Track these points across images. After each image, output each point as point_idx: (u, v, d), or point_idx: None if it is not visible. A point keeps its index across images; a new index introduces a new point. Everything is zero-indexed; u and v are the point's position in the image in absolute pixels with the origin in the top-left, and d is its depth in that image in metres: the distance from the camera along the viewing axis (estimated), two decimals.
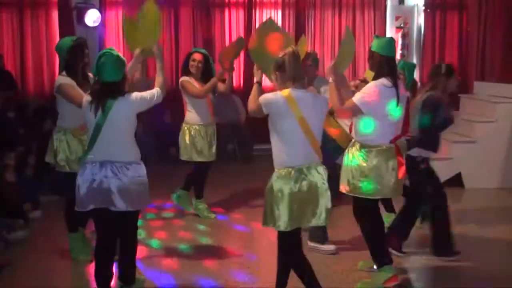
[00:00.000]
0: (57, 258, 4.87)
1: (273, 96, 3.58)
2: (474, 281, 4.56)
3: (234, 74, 9.23)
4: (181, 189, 6.13)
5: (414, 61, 9.67)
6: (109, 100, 3.73)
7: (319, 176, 3.58)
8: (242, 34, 9.24)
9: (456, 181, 7.42)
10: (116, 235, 3.95)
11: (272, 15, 9.41)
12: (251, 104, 3.75)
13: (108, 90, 3.74)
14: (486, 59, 9.03)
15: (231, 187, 7.35)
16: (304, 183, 3.54)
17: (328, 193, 3.61)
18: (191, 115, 5.93)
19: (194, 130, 5.89)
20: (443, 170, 6.92)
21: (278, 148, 3.60)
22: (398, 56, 9.61)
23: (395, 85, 4.06)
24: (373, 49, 4.21)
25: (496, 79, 8.73)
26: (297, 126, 3.53)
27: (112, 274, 3.96)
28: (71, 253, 4.75)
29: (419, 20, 9.65)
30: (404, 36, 9.67)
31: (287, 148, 3.56)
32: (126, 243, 3.99)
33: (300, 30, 9.42)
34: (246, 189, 7.19)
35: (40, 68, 8.73)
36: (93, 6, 8.74)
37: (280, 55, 3.62)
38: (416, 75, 8.13)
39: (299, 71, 3.62)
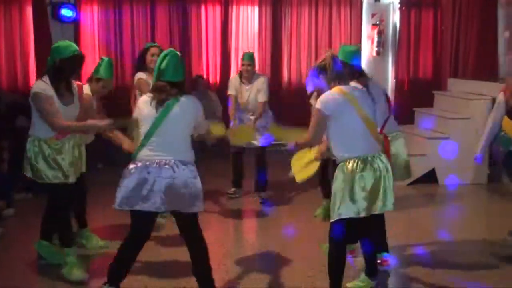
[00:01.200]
0: (30, 257, 4.79)
1: (328, 96, 3.81)
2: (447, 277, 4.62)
3: (211, 71, 9.31)
4: None
5: (389, 58, 9.75)
6: (172, 98, 3.76)
7: (383, 164, 3.81)
8: (219, 31, 9.25)
9: (431, 177, 7.49)
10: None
11: (249, 11, 9.43)
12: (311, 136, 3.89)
13: (172, 89, 3.77)
14: (459, 56, 9.12)
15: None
16: (371, 171, 3.77)
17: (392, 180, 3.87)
18: None
19: None
20: (417, 166, 7.06)
21: (340, 142, 3.83)
22: (374, 53, 9.69)
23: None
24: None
25: (469, 76, 8.83)
26: (358, 118, 3.79)
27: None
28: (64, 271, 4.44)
29: (395, 17, 9.72)
30: (380, 33, 9.72)
31: (351, 141, 3.80)
32: (192, 246, 3.93)
33: (276, 27, 9.44)
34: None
35: (13, 64, 8.62)
36: (68, 3, 8.66)
37: (321, 61, 3.95)
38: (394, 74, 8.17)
39: (340, 72, 3.91)
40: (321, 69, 3.93)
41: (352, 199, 3.75)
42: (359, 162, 3.77)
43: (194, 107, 3.85)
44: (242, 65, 6.60)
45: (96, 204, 5.64)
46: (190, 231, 3.88)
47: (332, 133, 3.85)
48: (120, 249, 3.86)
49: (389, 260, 4.70)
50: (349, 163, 3.79)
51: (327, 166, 5.55)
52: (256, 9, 9.41)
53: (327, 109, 3.77)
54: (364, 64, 9.42)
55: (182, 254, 4.25)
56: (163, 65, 3.77)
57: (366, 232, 4.14)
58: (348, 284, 4.27)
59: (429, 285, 4.40)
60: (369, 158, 3.80)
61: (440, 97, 8.64)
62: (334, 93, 3.83)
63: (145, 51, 5.72)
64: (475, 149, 5.52)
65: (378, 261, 4.54)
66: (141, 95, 5.50)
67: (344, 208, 3.76)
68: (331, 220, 3.84)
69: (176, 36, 9.02)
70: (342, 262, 3.90)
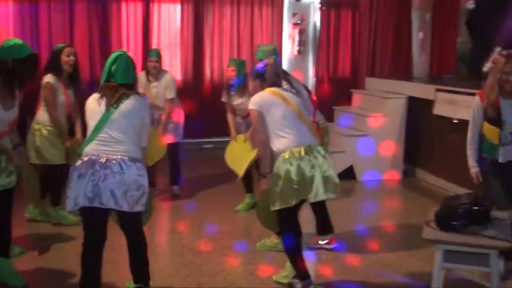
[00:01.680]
0: None
1: (256, 96, 4.11)
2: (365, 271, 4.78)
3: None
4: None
5: (310, 57, 9.95)
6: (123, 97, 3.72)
7: (320, 154, 4.03)
8: (140, 28, 9.15)
9: (349, 173, 7.71)
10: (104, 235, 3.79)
11: (171, 9, 9.38)
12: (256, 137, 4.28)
13: (122, 89, 3.74)
14: (376, 56, 9.42)
15: None
16: (307, 161, 3.96)
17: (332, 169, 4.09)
18: (46, 115, 5.43)
19: (48, 131, 5.44)
20: (336, 163, 7.20)
21: (276, 135, 4.04)
22: (295, 52, 9.86)
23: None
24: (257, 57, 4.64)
25: (386, 75, 9.13)
26: (289, 110, 4.05)
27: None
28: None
29: (315, 17, 9.91)
30: (301, 33, 9.89)
31: (285, 133, 4.02)
32: (135, 245, 3.87)
33: (199, 24, 9.44)
34: None
35: None
36: None
37: (261, 66, 4.22)
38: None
39: (277, 79, 4.21)
40: (259, 75, 4.20)
41: (291, 189, 3.93)
42: (295, 153, 3.96)
43: (143, 106, 3.83)
44: (150, 61, 6.54)
45: None
46: (133, 229, 3.83)
47: (269, 128, 4.07)
48: (82, 258, 3.73)
49: (335, 239, 5.00)
50: (286, 154, 3.97)
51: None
52: (178, 7, 9.38)
53: (258, 106, 4.05)
54: (285, 63, 9.59)
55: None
56: (114, 67, 3.72)
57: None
58: (274, 277, 4.44)
59: (343, 268, 4.57)
60: (306, 149, 3.99)
61: (358, 96, 8.89)
62: (262, 93, 4.12)
63: (59, 51, 5.44)
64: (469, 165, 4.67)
65: (326, 241, 5.02)
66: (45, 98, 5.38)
67: (283, 197, 3.95)
68: (274, 209, 4.02)
69: (95, 33, 8.85)
70: (297, 247, 4.09)
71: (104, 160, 3.58)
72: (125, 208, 3.62)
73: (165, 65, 9.26)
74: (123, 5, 9.06)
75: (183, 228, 5.83)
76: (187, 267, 4.73)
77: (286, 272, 4.39)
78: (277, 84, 4.20)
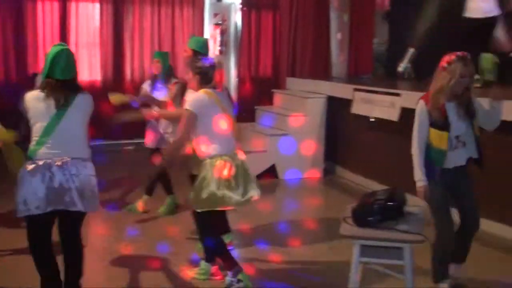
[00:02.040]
0: None
1: (195, 97, 4.13)
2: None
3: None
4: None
5: (232, 57, 9.99)
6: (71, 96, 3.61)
7: (240, 161, 4.17)
8: (57, 27, 8.92)
9: (271, 172, 7.80)
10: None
11: (89, 8, 9.20)
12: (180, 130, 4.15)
13: (66, 86, 3.61)
14: (297, 56, 9.57)
15: None
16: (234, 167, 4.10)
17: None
18: None
19: None
20: (258, 163, 7.33)
21: (208, 140, 4.10)
22: (217, 52, 9.88)
23: None
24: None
25: (306, 75, 9.30)
26: (223, 117, 4.14)
27: None
28: None
29: (236, 17, 9.97)
30: (222, 33, 9.92)
31: (218, 139, 4.11)
32: (75, 248, 3.74)
33: (118, 24, 9.30)
34: None
35: None
36: None
37: (208, 63, 4.22)
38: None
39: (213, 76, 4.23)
40: (204, 72, 4.18)
41: (217, 192, 4.04)
42: (225, 159, 4.07)
43: (90, 104, 3.74)
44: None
45: None
46: (74, 233, 3.74)
47: (200, 132, 4.10)
48: (38, 262, 3.64)
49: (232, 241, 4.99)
50: (216, 160, 4.06)
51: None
52: (97, 6, 9.21)
53: (195, 108, 4.06)
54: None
55: None
56: (53, 62, 3.60)
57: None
58: (190, 273, 4.51)
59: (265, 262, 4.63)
60: (232, 155, 4.14)
61: (280, 96, 9.01)
62: (200, 94, 4.13)
63: None
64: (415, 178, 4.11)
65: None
66: None
67: (212, 201, 4.07)
68: (198, 211, 4.13)
69: (9, 33, 8.56)
70: (223, 247, 4.28)
71: (60, 163, 3.52)
72: (81, 208, 3.58)
73: (84, 65, 9.11)
74: (39, 4, 8.81)
75: (103, 231, 5.72)
76: (109, 269, 4.66)
77: (202, 270, 4.47)
78: (213, 86, 4.24)
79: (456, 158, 3.99)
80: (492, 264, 4.85)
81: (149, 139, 6.16)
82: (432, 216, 3.99)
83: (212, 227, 4.29)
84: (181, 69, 8.64)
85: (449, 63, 3.81)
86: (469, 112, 3.97)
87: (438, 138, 3.94)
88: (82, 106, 3.67)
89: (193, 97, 4.18)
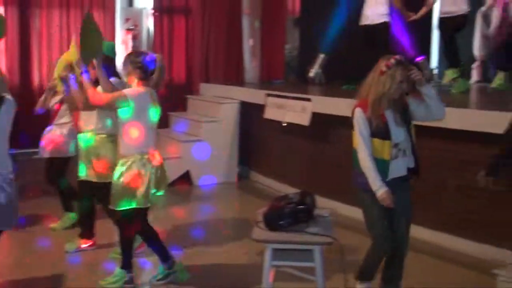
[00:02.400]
0: None
1: (138, 91, 4.09)
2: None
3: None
4: None
5: None
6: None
7: (157, 161, 4.21)
8: None
9: (186, 178, 7.76)
10: None
11: None
12: (101, 97, 4.13)
13: None
14: (210, 62, 9.55)
15: None
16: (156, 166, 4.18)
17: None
18: None
19: None
20: (172, 169, 7.26)
21: (141, 137, 4.10)
22: None
23: None
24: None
25: (219, 81, 9.32)
26: (154, 115, 4.17)
27: None
28: None
29: (148, 22, 9.86)
30: (134, 38, 9.78)
31: (149, 137, 4.15)
32: None
33: (25, 29, 8.99)
34: None
35: None
36: None
37: (152, 60, 4.16)
38: None
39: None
40: (146, 69, 4.14)
41: (146, 192, 4.13)
42: (149, 158, 4.14)
43: (12, 110, 3.59)
44: None
45: None
46: None
47: (132, 126, 4.08)
48: None
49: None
50: (143, 158, 4.12)
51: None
52: (2, 10, 8.85)
53: (134, 98, 4.02)
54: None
55: None
56: None
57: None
58: (101, 282, 4.39)
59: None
60: (153, 154, 4.19)
61: (193, 101, 8.99)
62: (140, 90, 4.12)
63: None
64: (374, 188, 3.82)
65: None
66: None
67: (137, 200, 4.13)
68: (120, 208, 4.16)
69: None
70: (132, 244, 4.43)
71: None
72: (3, 225, 3.49)
73: None
74: None
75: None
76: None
77: (115, 278, 4.37)
78: (153, 84, 4.21)
79: (396, 169, 3.78)
80: (427, 271, 4.85)
81: (46, 147, 5.75)
82: (369, 230, 3.85)
83: (136, 223, 4.31)
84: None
85: (388, 67, 3.63)
86: (406, 117, 3.80)
87: (381, 148, 3.72)
88: (8, 113, 3.54)
89: (134, 89, 4.13)
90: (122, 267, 4.39)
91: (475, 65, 9.16)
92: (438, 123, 4.69)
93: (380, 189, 3.69)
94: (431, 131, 4.86)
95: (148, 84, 4.17)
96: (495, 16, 8.55)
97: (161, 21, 9.74)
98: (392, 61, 3.63)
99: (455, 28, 6.82)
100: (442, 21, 6.92)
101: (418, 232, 4.80)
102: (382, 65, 3.66)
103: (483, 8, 8.85)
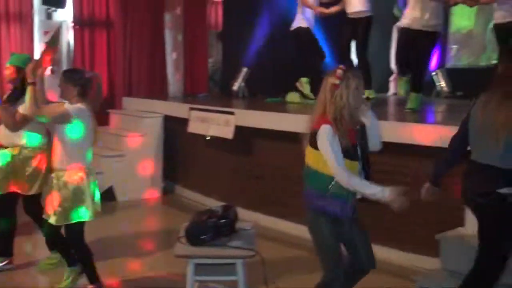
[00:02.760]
0: None
1: (80, 108, 4.14)
2: None
3: None
4: None
5: None
6: None
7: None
8: None
9: (109, 194, 7.61)
10: None
11: None
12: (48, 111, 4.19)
13: None
14: (133, 76, 9.43)
15: None
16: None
17: None
18: None
19: None
20: None
21: (80, 149, 4.18)
22: (49, 72, 9.46)
23: None
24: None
25: (143, 94, 9.22)
26: (93, 132, 4.27)
27: None
28: None
29: (69, 36, 9.64)
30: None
31: (86, 150, 4.23)
32: None
33: None
34: None
35: None
36: None
37: (87, 77, 4.26)
38: None
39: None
40: (82, 83, 4.19)
41: (88, 205, 4.23)
42: (88, 172, 4.24)
43: None
44: None
45: None
46: None
47: (73, 140, 4.12)
48: None
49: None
50: (81, 171, 4.18)
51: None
52: None
53: (78, 117, 4.09)
54: None
55: None
56: None
57: None
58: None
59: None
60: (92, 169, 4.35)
61: (116, 116, 8.85)
62: (81, 105, 4.17)
63: None
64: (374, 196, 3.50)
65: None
66: None
67: (81, 213, 4.23)
68: (69, 222, 4.23)
69: None
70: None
71: None
72: None
73: None
74: None
75: None
76: None
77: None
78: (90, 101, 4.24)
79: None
80: None
81: None
82: (321, 256, 3.52)
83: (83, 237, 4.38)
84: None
85: (339, 78, 3.35)
86: (362, 134, 3.55)
87: (349, 169, 3.37)
88: None
89: (76, 106, 4.14)
90: (91, 282, 4.42)
91: (392, 78, 9.50)
92: None
93: (379, 194, 3.29)
94: None
95: (85, 101, 4.19)
96: None
97: (82, 34, 9.54)
98: (340, 71, 3.36)
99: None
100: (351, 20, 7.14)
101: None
102: (331, 79, 3.37)
103: (398, 23, 9.19)
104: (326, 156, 3.33)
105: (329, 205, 3.39)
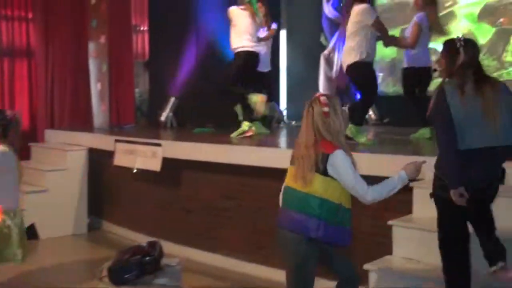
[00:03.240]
0: None
1: (3, 150, 4.07)
2: None
3: None
4: None
5: None
6: None
7: None
8: None
9: (31, 232, 7.22)
10: None
11: None
12: None
13: None
14: (55, 107, 9.10)
15: None
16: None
17: None
18: None
19: None
20: None
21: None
22: None
23: None
24: None
25: (66, 126, 8.90)
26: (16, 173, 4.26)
27: None
28: None
29: None
30: None
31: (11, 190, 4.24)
32: None
33: None
34: None
35: None
36: None
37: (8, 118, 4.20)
38: None
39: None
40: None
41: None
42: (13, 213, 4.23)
43: None
44: None
45: None
46: None
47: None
48: None
49: None
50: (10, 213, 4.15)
51: None
52: None
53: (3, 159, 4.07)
54: None
55: None
56: None
57: None
58: None
59: None
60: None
61: (37, 149, 8.49)
62: (5, 148, 4.10)
63: None
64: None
65: None
66: None
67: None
68: None
69: None
70: None
71: None
72: None
73: None
74: None
75: None
76: None
77: None
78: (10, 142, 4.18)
79: None
80: None
81: None
82: (294, 278, 3.49)
83: None
84: None
85: (328, 105, 3.41)
86: None
87: (347, 196, 3.45)
88: None
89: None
90: None
91: None
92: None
93: (403, 177, 3.44)
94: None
95: (6, 142, 4.10)
96: (336, 59, 9.03)
97: (1, 64, 9.15)
98: (324, 98, 3.44)
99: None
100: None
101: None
102: (318, 108, 3.40)
103: (325, 52, 9.33)
104: (348, 179, 3.34)
105: (331, 235, 3.38)
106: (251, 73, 7.08)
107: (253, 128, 6.93)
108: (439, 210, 3.57)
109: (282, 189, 3.61)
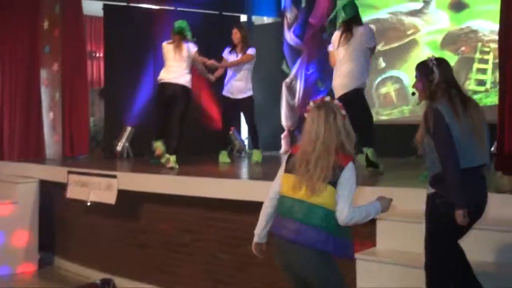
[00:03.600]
0: None
1: None
2: None
3: None
4: None
5: None
6: None
7: None
8: None
9: None
10: None
11: None
12: None
13: None
14: (5, 137, 8.65)
15: None
16: None
17: None
18: None
19: None
20: None
21: None
22: None
23: None
24: None
25: (16, 158, 8.48)
26: None
27: None
28: None
29: None
30: None
31: None
32: None
33: None
34: None
35: None
36: None
37: None
38: None
39: None
40: None
41: None
42: None
43: None
44: None
45: None
46: None
47: None
48: None
49: None
50: None
51: None
52: None
53: None
54: None
55: None
56: None
57: None
58: None
59: None
60: None
61: None
62: None
63: None
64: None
65: None
66: None
67: None
68: None
69: None
70: None
71: None
72: None
73: None
74: None
75: None
76: None
77: None
78: None
79: None
80: None
81: None
82: None
83: None
84: None
85: (341, 107, 3.34)
86: None
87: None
88: None
89: None
90: None
91: (283, 135, 9.43)
92: None
93: (378, 207, 3.35)
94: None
95: None
96: (298, 87, 8.92)
97: None
98: (337, 101, 3.37)
99: None
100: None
101: None
102: (334, 112, 3.25)
103: (287, 80, 9.22)
104: (349, 192, 3.18)
105: (339, 247, 3.23)
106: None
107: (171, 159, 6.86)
108: (433, 228, 3.45)
109: (273, 201, 3.40)
